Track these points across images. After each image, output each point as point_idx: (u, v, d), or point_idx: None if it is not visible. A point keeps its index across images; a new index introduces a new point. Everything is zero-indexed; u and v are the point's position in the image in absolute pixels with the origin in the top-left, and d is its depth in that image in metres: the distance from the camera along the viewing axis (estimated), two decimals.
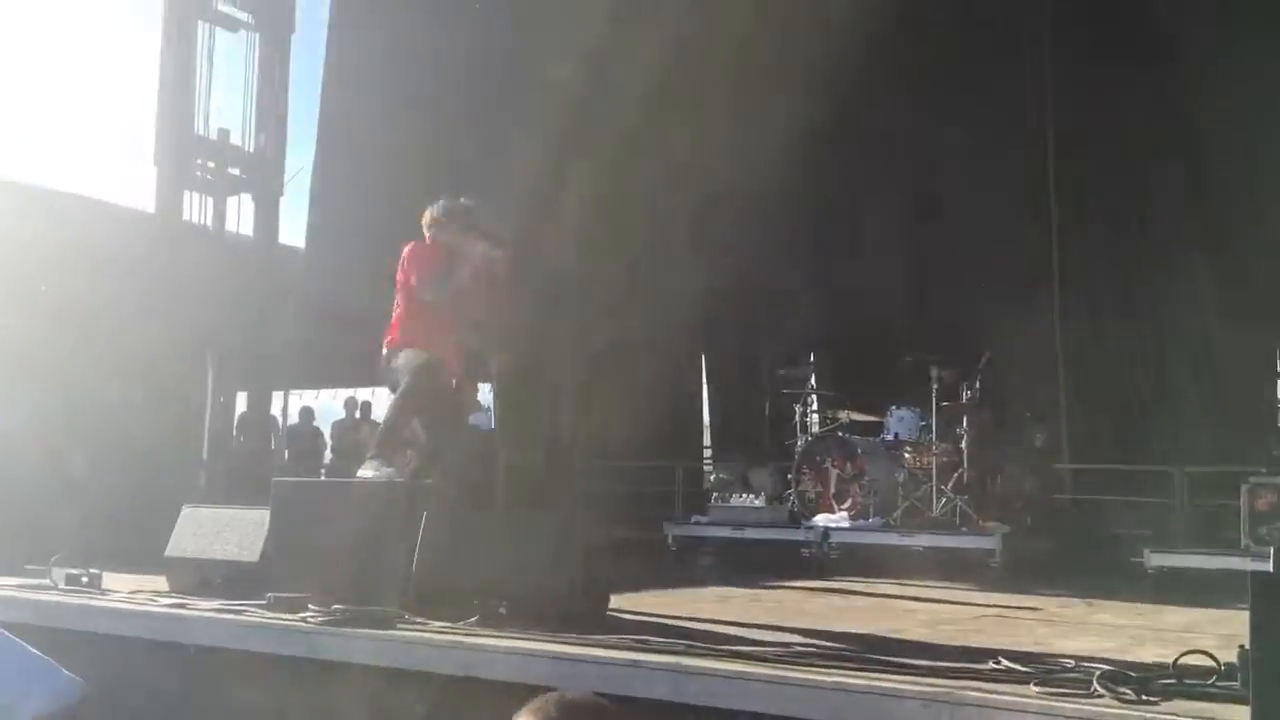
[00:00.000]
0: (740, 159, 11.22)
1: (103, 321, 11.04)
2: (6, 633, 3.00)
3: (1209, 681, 2.90)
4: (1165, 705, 2.74)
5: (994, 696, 2.82)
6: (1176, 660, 3.01)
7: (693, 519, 8.74)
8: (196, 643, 4.15)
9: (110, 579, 5.05)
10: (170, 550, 5.03)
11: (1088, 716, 2.66)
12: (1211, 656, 2.98)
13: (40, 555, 5.14)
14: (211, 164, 11.61)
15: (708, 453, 13.21)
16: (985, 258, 9.78)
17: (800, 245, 11.23)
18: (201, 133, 11.55)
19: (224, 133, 11.74)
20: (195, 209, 11.42)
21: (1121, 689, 2.83)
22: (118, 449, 10.39)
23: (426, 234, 5.43)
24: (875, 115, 10.20)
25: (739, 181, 11.24)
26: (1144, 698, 2.78)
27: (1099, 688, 2.84)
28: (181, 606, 4.47)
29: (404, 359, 5.14)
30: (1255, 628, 2.53)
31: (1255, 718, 2.50)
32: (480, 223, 5.37)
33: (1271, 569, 2.97)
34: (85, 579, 4.83)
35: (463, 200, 5.48)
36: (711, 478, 11.21)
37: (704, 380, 13.70)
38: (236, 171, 11.74)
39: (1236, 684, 2.76)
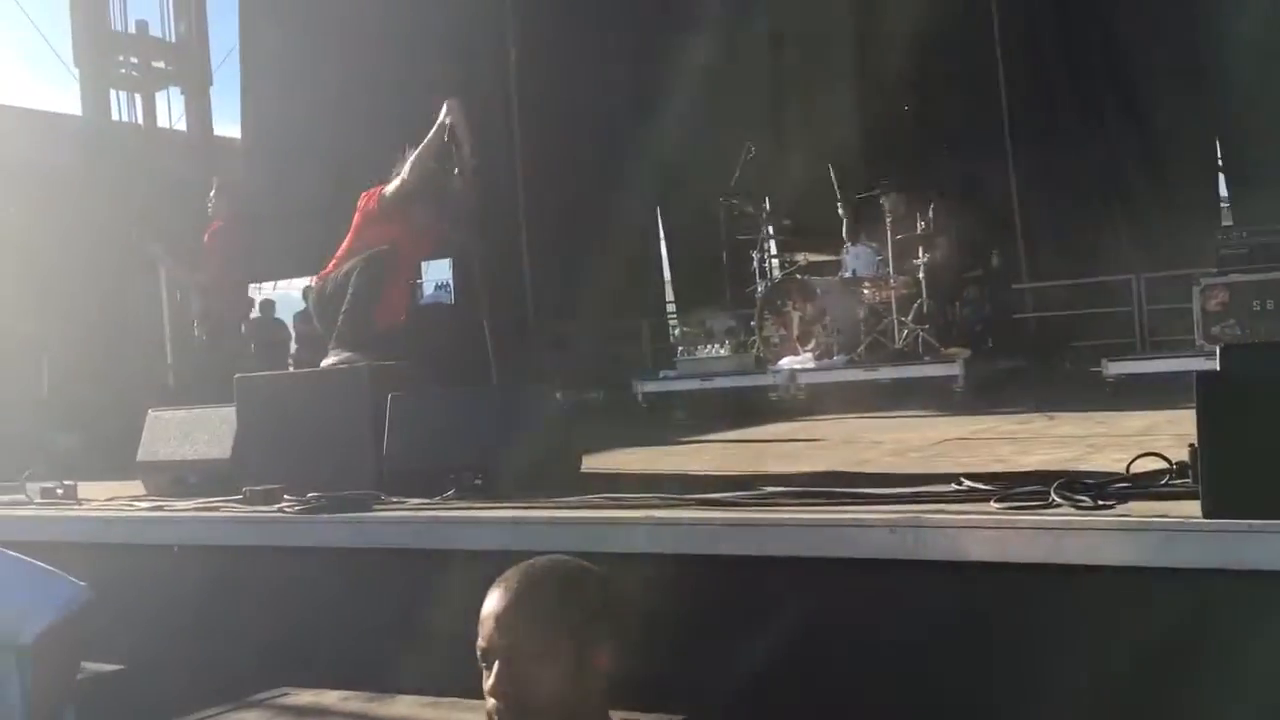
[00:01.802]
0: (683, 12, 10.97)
1: (45, 233, 10.79)
2: (2, 548, 3.01)
3: (1162, 481, 2.98)
4: (1121, 508, 2.82)
5: (955, 516, 2.89)
6: (1130, 464, 3.09)
7: (661, 374, 8.81)
8: (178, 542, 4.18)
9: (85, 489, 5.05)
10: (141, 455, 5.02)
11: (1045, 526, 2.74)
12: (1163, 457, 3.06)
13: (11, 473, 5.13)
14: (134, 59, 11.24)
15: (672, 308, 13.24)
16: (934, 85, 9.66)
17: (748, 92, 11.04)
18: (119, 28, 11.14)
19: (143, 25, 11.32)
20: (124, 108, 11.12)
21: (1078, 497, 2.91)
22: (81, 361, 10.30)
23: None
24: None
25: (688, 36, 11.00)
26: (1100, 503, 2.86)
27: (1056, 497, 2.91)
28: (159, 509, 4.49)
29: (351, 263, 5.15)
30: (1201, 424, 2.59)
31: (1205, 511, 2.57)
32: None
33: (1218, 367, 3.01)
34: (60, 491, 4.82)
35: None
36: (676, 332, 11.25)
37: (661, 236, 13.63)
38: (162, 64, 11.38)
39: (1189, 480, 2.83)
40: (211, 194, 7.77)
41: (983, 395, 7.12)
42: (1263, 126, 8.63)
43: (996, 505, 2.95)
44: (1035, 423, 5.64)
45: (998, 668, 2.81)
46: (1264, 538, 2.45)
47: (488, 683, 1.54)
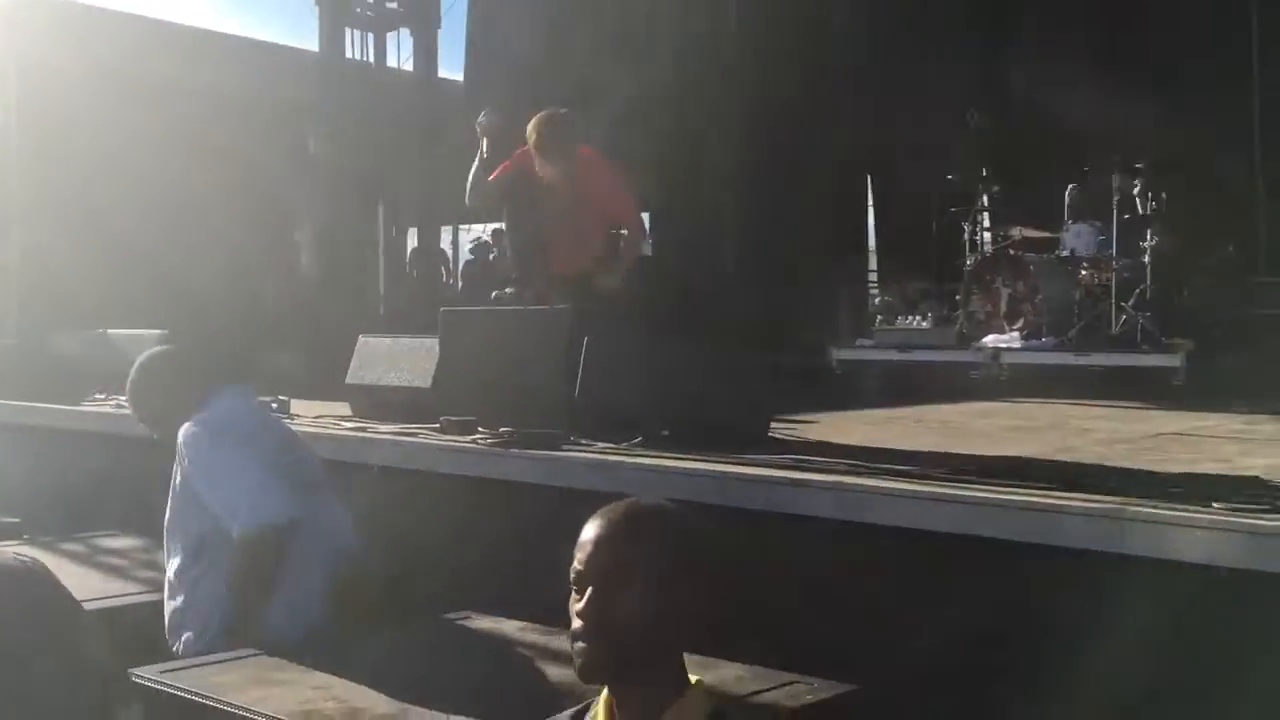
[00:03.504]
0: None
1: (275, 163, 11.41)
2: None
3: None
4: None
5: (1166, 512, 2.72)
6: None
7: (858, 342, 8.63)
8: (377, 463, 4.39)
9: (297, 405, 5.37)
10: (350, 378, 5.28)
11: (1267, 532, 2.55)
12: None
13: None
14: (370, 0, 11.70)
15: (874, 275, 12.97)
16: (1174, 63, 9.05)
17: (970, 52, 10.60)
18: None
19: None
20: (357, 46, 11.61)
21: None
22: (301, 283, 10.91)
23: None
24: None
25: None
26: None
27: None
28: (362, 430, 4.72)
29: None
30: None
31: None
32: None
33: None
34: (274, 405, 5.13)
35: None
36: (877, 300, 11.02)
37: (869, 200, 13.34)
38: (394, 5, 11.80)
39: None
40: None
41: (1205, 392, 6.67)
42: None
43: (1217, 505, 2.76)
44: (1262, 425, 5.25)
45: (1188, 673, 2.64)
46: None
47: (576, 605, 1.61)
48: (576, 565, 1.63)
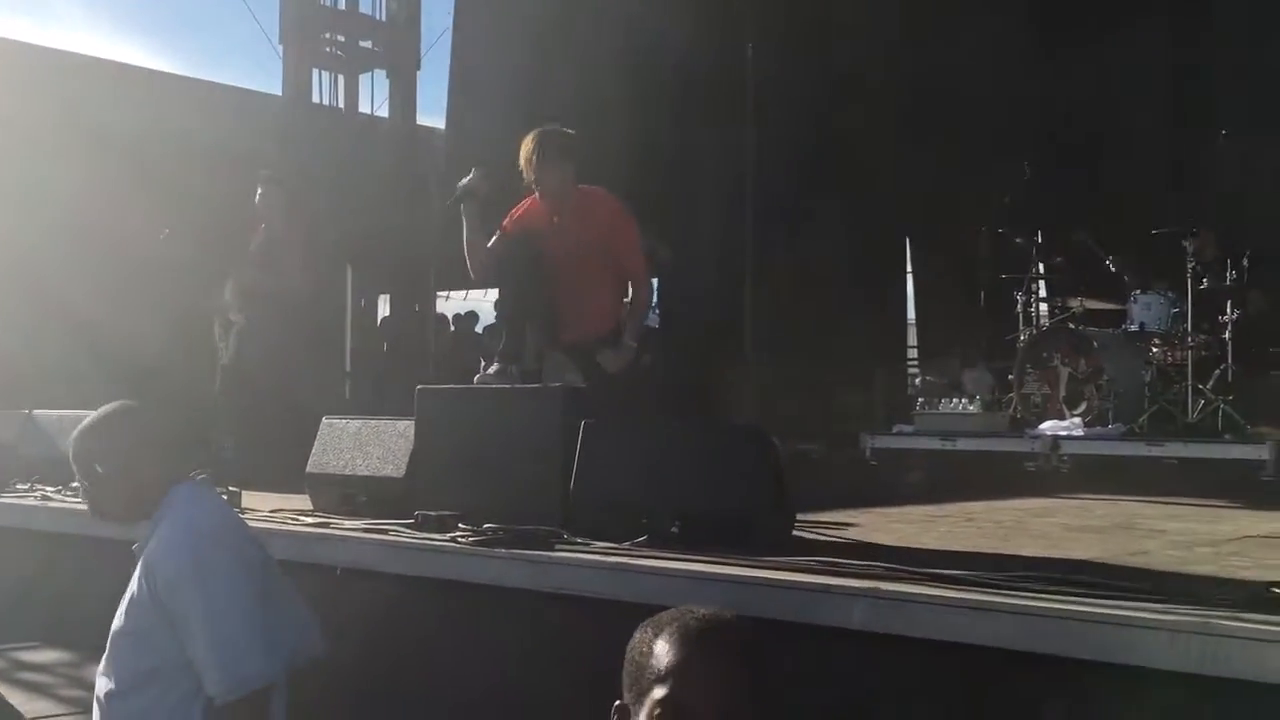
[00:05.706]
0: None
1: (229, 217, 11.48)
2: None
3: None
4: None
5: (1262, 628, 2.70)
6: None
7: (895, 429, 8.64)
8: (342, 564, 4.37)
9: (250, 498, 5.35)
10: (311, 466, 5.27)
11: None
12: None
13: None
14: (341, 38, 11.91)
15: (913, 353, 13.02)
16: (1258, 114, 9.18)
17: (1024, 101, 10.75)
18: (329, 3, 11.84)
19: (353, 2, 11.97)
20: (326, 90, 11.80)
21: None
22: (249, 359, 10.91)
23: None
24: None
25: (953, 37, 10.82)
26: None
27: None
28: (325, 526, 4.71)
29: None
30: None
31: None
32: None
33: None
34: (224, 497, 5.11)
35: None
36: (917, 381, 11.06)
37: (909, 268, 13.44)
38: (368, 45, 12.01)
39: None
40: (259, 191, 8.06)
41: None
42: None
43: None
44: None
45: None
46: None
47: None
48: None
